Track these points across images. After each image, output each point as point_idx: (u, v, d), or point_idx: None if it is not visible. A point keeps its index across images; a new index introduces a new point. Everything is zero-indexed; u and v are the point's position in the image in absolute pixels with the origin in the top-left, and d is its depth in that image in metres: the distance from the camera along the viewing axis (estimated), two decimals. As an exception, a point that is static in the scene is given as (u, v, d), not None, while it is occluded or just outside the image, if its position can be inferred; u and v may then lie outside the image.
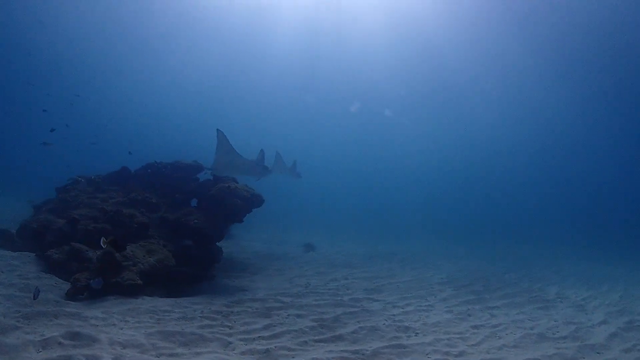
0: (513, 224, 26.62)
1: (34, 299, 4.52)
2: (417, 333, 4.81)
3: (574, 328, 5.64)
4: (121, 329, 4.02)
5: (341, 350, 3.99)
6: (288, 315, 4.89)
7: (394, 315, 5.35)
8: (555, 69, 26.42)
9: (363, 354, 3.98)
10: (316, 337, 4.31)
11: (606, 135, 33.95)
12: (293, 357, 3.78)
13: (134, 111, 37.47)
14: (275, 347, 3.93)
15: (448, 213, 30.09)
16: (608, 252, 16.52)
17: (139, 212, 5.96)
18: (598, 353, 4.92)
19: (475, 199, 36.06)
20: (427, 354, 4.20)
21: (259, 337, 4.17)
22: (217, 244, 6.25)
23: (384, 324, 4.91)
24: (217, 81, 36.30)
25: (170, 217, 6.01)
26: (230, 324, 4.42)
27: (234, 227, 12.16)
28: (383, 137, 43.24)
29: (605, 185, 38.70)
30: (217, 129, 7.55)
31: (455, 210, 31.56)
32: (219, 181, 6.33)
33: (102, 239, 4.35)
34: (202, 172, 7.19)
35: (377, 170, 42.26)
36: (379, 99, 37.06)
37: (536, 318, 5.95)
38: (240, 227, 13.10)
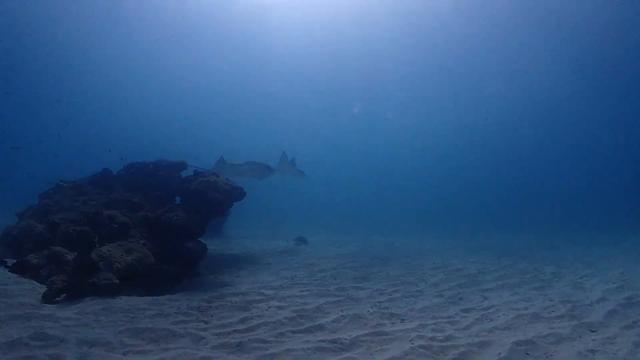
0: (510, 213, 26.79)
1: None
2: (403, 319, 4.65)
3: (570, 306, 5.39)
4: (93, 328, 3.94)
5: (318, 340, 3.85)
6: (268, 307, 4.77)
7: (380, 302, 5.20)
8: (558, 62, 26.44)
9: (342, 343, 3.83)
10: (294, 328, 4.17)
11: (597, 125, 34.18)
12: (267, 350, 3.65)
13: (121, 112, 37.61)
14: (249, 339, 3.81)
15: (444, 206, 30.38)
16: (606, 231, 16.24)
17: (120, 213, 5.90)
18: (595, 331, 4.67)
19: (470, 191, 36.60)
20: (410, 340, 4.02)
21: (234, 330, 4.05)
22: (201, 240, 6.17)
23: (368, 311, 4.76)
24: (209, 81, 36.48)
25: (151, 216, 5.94)
26: (206, 319, 4.32)
27: (226, 224, 12.24)
28: (377, 134, 43.54)
29: (599, 168, 38.83)
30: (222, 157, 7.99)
31: (452, 203, 31.91)
32: (199, 176, 6.24)
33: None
34: (187, 170, 7.13)
35: (373, 166, 42.64)
36: (376, 97, 37.20)
37: (531, 298, 5.72)
38: (233, 224, 13.19)
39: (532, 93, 31.44)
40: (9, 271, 3.97)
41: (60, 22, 26.24)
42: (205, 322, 4.26)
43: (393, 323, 4.49)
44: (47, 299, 4.56)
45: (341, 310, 4.76)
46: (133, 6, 26.02)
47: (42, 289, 5.03)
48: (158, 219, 5.83)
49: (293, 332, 4.10)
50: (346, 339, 3.90)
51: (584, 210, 27.64)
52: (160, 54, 31.55)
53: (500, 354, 3.81)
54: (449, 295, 5.62)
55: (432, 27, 25.74)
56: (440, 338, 4.12)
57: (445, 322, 4.61)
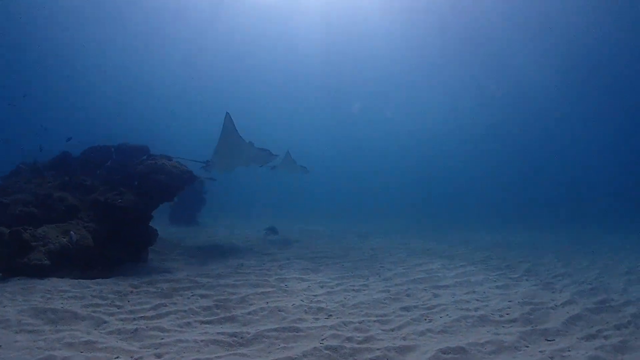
0: (497, 209, 26.31)
1: None
2: (330, 315, 4.34)
3: (529, 309, 4.79)
4: (4, 307, 3.98)
5: (218, 333, 3.66)
6: (192, 295, 4.63)
7: (315, 295, 4.93)
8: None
9: (242, 337, 3.61)
10: (204, 319, 4.01)
11: (584, 122, 32.73)
12: (161, 339, 3.51)
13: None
14: (148, 327, 3.68)
15: (433, 201, 30.28)
16: (592, 230, 15.06)
17: (71, 195, 5.96)
18: (551, 340, 4.11)
19: (461, 186, 36.38)
20: (322, 339, 3.70)
21: (142, 317, 3.94)
22: (151, 225, 6.14)
23: (294, 304, 4.50)
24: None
25: (101, 199, 5.95)
26: (121, 304, 4.24)
27: (202, 212, 12.27)
28: (372, 130, 43.26)
29: (587, 165, 37.78)
30: (227, 113, 7.12)
31: (441, 198, 31.77)
32: (149, 159, 6.18)
33: None
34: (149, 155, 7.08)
35: (365, 160, 42.83)
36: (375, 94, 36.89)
37: (488, 298, 5.17)
38: (213, 213, 13.15)
39: (526, 91, 30.38)
40: None
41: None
42: (118, 307, 4.18)
43: (316, 319, 4.20)
44: (-21, 277, 4.70)
45: (267, 302, 4.54)
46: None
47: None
48: (106, 202, 5.82)
49: (201, 322, 3.94)
50: (249, 333, 3.68)
51: (571, 208, 26.78)
52: (163, 47, 32.06)
53: (417, 363, 3.43)
54: (396, 291, 5.22)
55: (428, 23, 25.05)
56: (358, 339, 3.76)
57: (374, 321, 4.24)
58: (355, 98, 38.63)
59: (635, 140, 34.78)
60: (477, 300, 5.08)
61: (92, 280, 4.87)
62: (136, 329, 3.60)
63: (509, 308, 4.85)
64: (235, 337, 3.61)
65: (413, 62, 30.89)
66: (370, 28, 27.57)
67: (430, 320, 4.39)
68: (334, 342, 3.63)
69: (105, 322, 3.77)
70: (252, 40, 31.23)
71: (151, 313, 4.04)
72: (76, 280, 4.79)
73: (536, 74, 27.96)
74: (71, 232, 4.83)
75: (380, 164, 43.16)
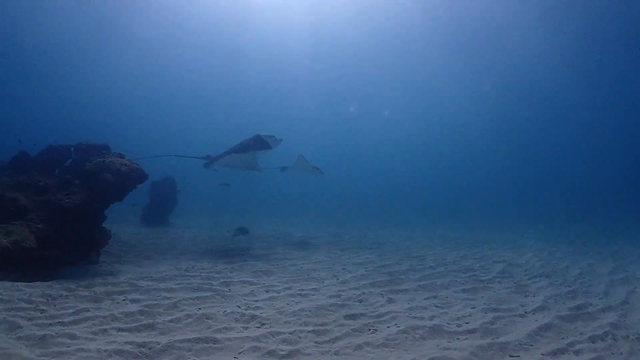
0: (494, 208, 25.53)
1: None
2: (263, 324, 4.03)
3: (493, 317, 4.29)
4: None
5: (127, 342, 3.45)
6: (123, 299, 4.45)
7: (255, 301, 4.64)
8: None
9: (150, 348, 3.37)
10: (123, 325, 3.82)
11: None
12: (67, 347, 3.34)
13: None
14: (59, 333, 3.52)
15: (420, 199, 29.93)
16: (578, 228, 14.19)
17: (24, 196, 5.87)
18: (512, 356, 3.58)
19: (455, 185, 35.94)
20: (239, 352, 3.39)
21: (58, 322, 3.79)
22: (104, 226, 5.98)
23: (226, 311, 4.24)
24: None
25: (52, 199, 5.83)
26: (45, 308, 4.10)
27: (174, 213, 12.08)
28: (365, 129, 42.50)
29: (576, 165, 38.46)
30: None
31: (416, 194, 31.07)
32: (99, 156, 6.00)
33: None
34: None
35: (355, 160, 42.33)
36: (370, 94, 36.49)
37: (449, 304, 4.70)
38: (186, 214, 12.85)
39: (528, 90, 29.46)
40: None
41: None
42: (41, 312, 4.05)
43: (245, 328, 3.91)
44: None
45: (199, 309, 4.31)
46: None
47: None
48: (55, 202, 5.69)
49: (119, 329, 3.74)
50: (159, 344, 3.42)
51: (562, 207, 25.87)
52: (155, 52, 32.30)
53: (340, 386, 3.05)
54: (348, 296, 4.85)
55: (427, 23, 24.36)
56: (281, 353, 3.41)
57: (309, 331, 3.88)
58: (352, 98, 38.48)
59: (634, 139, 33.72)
60: (436, 306, 4.62)
61: (28, 283, 4.75)
62: (44, 336, 3.45)
63: (470, 316, 4.37)
64: (144, 347, 3.38)
65: (412, 61, 30.33)
66: (366, 27, 27.26)
67: (374, 331, 3.97)
68: (251, 357, 3.32)
69: (19, 327, 3.64)
70: (240, 39, 31.31)
71: (71, 318, 3.88)
72: (10, 283, 4.68)
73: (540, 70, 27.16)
74: None
75: (371, 165, 43.09)
